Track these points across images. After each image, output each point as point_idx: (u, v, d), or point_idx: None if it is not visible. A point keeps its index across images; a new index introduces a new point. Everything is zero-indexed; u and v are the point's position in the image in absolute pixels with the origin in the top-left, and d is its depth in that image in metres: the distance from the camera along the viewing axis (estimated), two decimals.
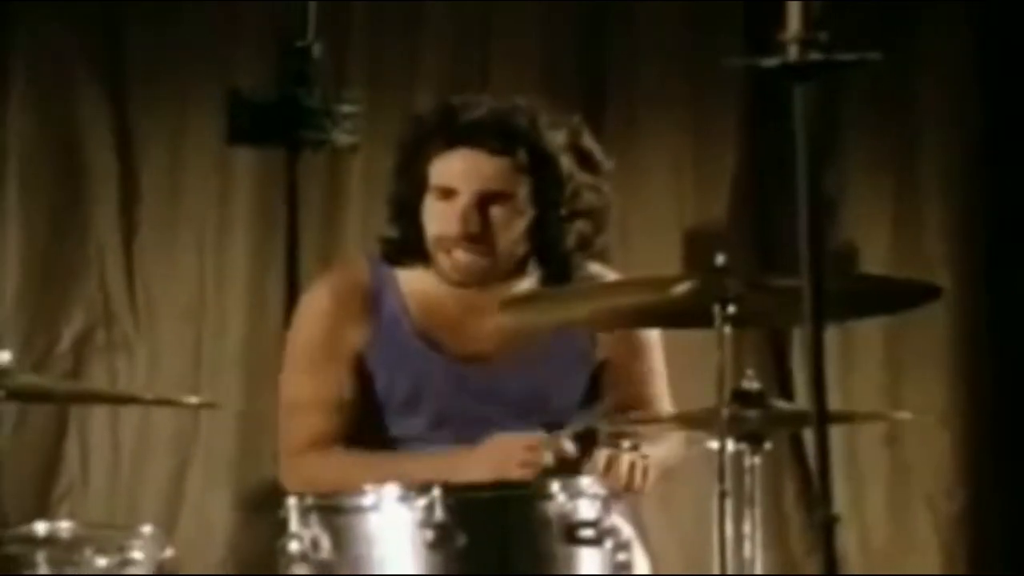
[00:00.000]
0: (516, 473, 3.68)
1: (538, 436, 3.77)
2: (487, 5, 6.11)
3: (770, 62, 3.05)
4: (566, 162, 3.92)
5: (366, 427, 3.94)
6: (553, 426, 3.84)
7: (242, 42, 5.87)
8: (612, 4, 6.12)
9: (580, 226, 3.96)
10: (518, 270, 3.97)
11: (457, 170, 3.89)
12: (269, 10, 5.24)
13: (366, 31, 5.93)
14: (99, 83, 6.30)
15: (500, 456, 3.74)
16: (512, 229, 3.90)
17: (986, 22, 6.09)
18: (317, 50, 4.65)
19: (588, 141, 3.99)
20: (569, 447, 3.74)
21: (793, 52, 3.03)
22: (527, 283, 3.99)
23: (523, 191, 3.89)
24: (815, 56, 3.02)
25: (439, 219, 3.89)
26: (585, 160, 3.96)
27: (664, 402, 4.03)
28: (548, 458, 3.70)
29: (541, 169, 3.89)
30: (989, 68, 6.11)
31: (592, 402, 3.99)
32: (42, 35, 6.28)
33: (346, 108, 4.84)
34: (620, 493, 3.53)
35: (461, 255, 3.89)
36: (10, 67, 6.27)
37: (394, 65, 5.92)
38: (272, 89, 4.94)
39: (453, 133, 3.89)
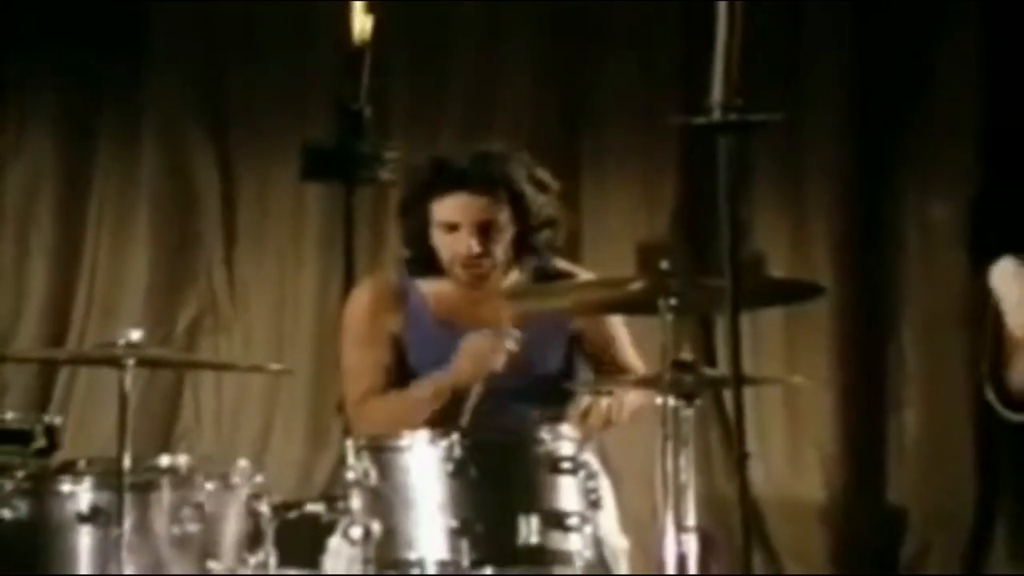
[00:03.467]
0: (493, 360, 3.72)
1: (491, 332, 3.78)
2: (495, 80, 6.12)
3: (700, 120, 3.05)
4: (529, 190, 3.94)
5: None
6: (542, 383, 3.83)
7: (312, 106, 5.86)
8: (587, 73, 6.12)
9: (546, 233, 3.98)
10: (507, 268, 3.98)
11: (456, 209, 3.89)
12: (333, 82, 5.23)
13: (403, 99, 5.92)
14: (207, 134, 6.30)
15: (474, 352, 3.75)
16: (501, 244, 3.92)
17: (862, 81, 6.09)
18: (368, 112, 4.66)
19: (539, 171, 4.01)
20: (516, 334, 3.74)
21: (717, 113, 3.02)
22: (514, 277, 4.00)
23: (504, 216, 3.90)
24: (733, 117, 3.01)
25: (450, 247, 3.91)
26: (540, 185, 3.98)
27: (632, 358, 4.02)
28: (510, 344, 3.72)
29: (515, 199, 3.92)
30: (864, 119, 6.11)
31: (570, 364, 3.98)
32: (166, 96, 6.29)
33: (389, 154, 4.83)
34: (600, 429, 3.53)
35: (470, 268, 3.90)
36: (143, 121, 6.28)
37: (423, 124, 5.91)
38: (334, 140, 4.94)
39: (447, 181, 3.91)
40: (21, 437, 3.77)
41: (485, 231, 3.89)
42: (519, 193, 3.91)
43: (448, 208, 3.89)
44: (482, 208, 3.89)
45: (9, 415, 3.87)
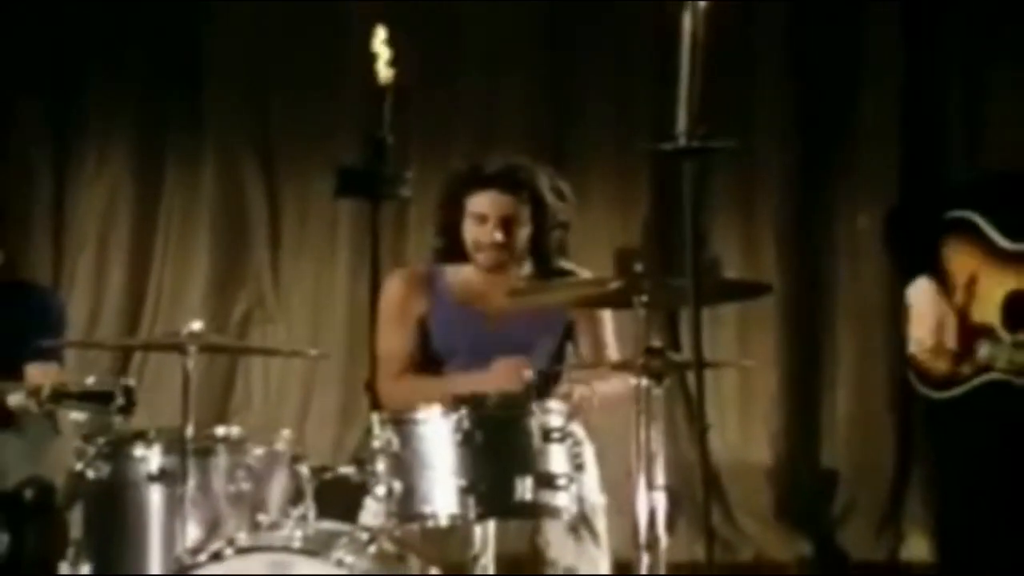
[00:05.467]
0: (513, 383, 3.65)
1: (521, 359, 3.73)
2: (495, 113, 6.12)
3: (667, 146, 3.03)
4: (549, 196, 3.91)
5: (430, 364, 3.91)
6: (537, 364, 3.80)
7: (344, 135, 5.85)
8: (574, 106, 6.13)
9: (558, 234, 3.95)
10: (521, 261, 3.96)
11: (487, 203, 3.87)
12: (361, 116, 5.22)
13: (419, 129, 5.90)
14: (257, 160, 6.33)
15: (503, 373, 3.71)
16: (520, 238, 3.89)
17: (802, 113, 6.10)
18: (390, 139, 4.61)
19: (560, 183, 3.98)
20: (529, 374, 3.67)
21: (682, 140, 3.01)
22: (524, 270, 3.97)
23: (525, 214, 3.88)
24: (695, 143, 2.99)
25: (476, 235, 3.88)
26: (559, 194, 3.94)
27: (614, 349, 3.99)
28: (528, 375, 3.65)
29: (536, 202, 3.89)
30: (803, 145, 6.12)
31: (561, 349, 3.95)
32: (222, 128, 6.30)
33: (407, 175, 4.79)
34: (575, 412, 3.50)
35: (492, 255, 3.88)
36: (203, 149, 6.30)
37: (435, 150, 5.89)
38: (362, 163, 4.91)
39: (483, 180, 3.89)
40: (104, 398, 3.73)
41: (507, 224, 3.87)
42: (540, 197, 3.89)
43: (480, 202, 3.88)
44: (507, 204, 3.87)
45: (91, 379, 3.84)
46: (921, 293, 3.46)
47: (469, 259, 3.92)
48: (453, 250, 3.93)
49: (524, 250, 3.91)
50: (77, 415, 3.79)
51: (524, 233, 3.89)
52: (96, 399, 3.75)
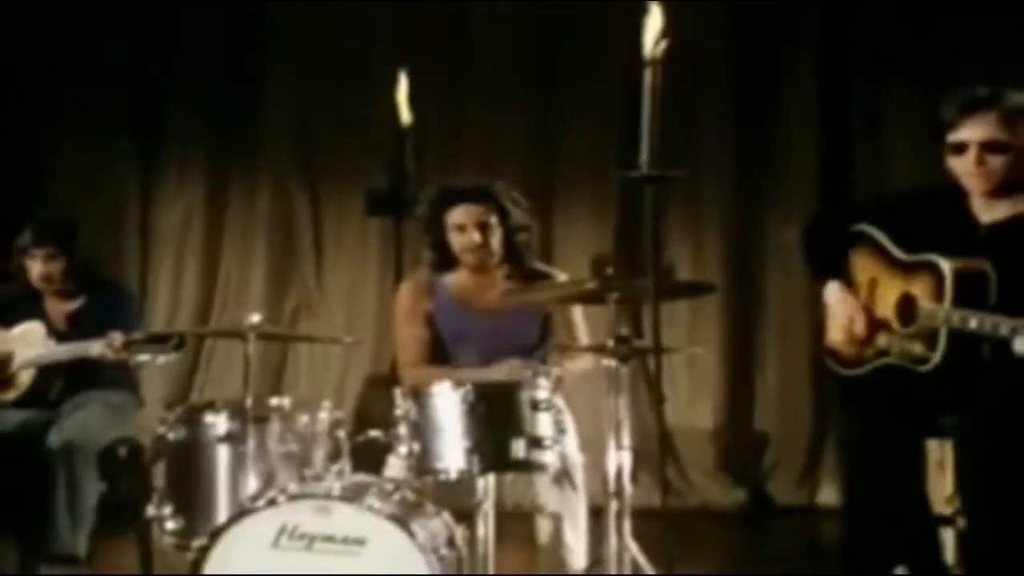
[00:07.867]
0: (515, 376, 3.61)
1: (520, 362, 3.71)
2: (496, 145, 6.10)
3: (634, 174, 3.03)
4: (509, 204, 3.88)
5: (438, 354, 3.89)
6: (523, 347, 3.77)
7: (374, 164, 5.81)
8: (560, 142, 6.11)
9: (523, 235, 3.91)
10: (500, 264, 3.92)
11: (463, 214, 3.83)
12: (388, 149, 5.22)
13: (433, 160, 5.89)
14: (304, 183, 6.32)
15: (507, 370, 3.69)
16: (495, 239, 3.84)
17: (740, 146, 6.10)
18: (411, 168, 4.62)
19: (514, 193, 3.92)
20: (527, 373, 3.65)
21: (644, 168, 3.01)
22: (504, 271, 3.93)
23: (494, 220, 3.84)
24: (655, 171, 2.99)
25: (460, 242, 3.84)
26: (514, 201, 3.90)
27: (583, 328, 3.95)
28: (525, 373, 3.63)
29: (500, 210, 3.85)
30: (740, 172, 6.11)
31: (544, 333, 3.93)
32: (276, 156, 6.29)
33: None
34: (557, 387, 3.48)
35: (476, 256, 3.85)
36: (260, 174, 6.29)
37: (448, 175, 5.86)
38: (388, 187, 4.90)
39: (457, 196, 3.85)
40: (162, 339, 3.95)
41: (483, 229, 3.83)
42: (501, 204, 3.86)
43: (457, 214, 3.84)
44: (479, 213, 3.83)
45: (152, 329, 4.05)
46: (834, 295, 3.45)
47: (459, 265, 3.90)
48: (444, 260, 3.90)
49: (500, 252, 3.89)
50: (144, 356, 3.93)
51: (497, 236, 3.86)
52: (156, 341, 3.94)
